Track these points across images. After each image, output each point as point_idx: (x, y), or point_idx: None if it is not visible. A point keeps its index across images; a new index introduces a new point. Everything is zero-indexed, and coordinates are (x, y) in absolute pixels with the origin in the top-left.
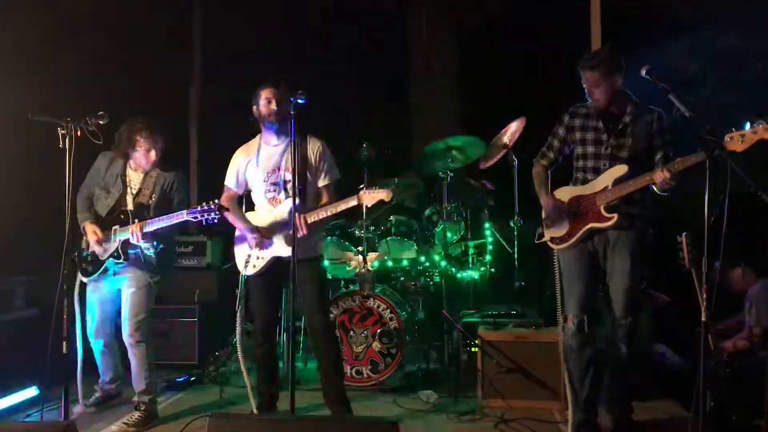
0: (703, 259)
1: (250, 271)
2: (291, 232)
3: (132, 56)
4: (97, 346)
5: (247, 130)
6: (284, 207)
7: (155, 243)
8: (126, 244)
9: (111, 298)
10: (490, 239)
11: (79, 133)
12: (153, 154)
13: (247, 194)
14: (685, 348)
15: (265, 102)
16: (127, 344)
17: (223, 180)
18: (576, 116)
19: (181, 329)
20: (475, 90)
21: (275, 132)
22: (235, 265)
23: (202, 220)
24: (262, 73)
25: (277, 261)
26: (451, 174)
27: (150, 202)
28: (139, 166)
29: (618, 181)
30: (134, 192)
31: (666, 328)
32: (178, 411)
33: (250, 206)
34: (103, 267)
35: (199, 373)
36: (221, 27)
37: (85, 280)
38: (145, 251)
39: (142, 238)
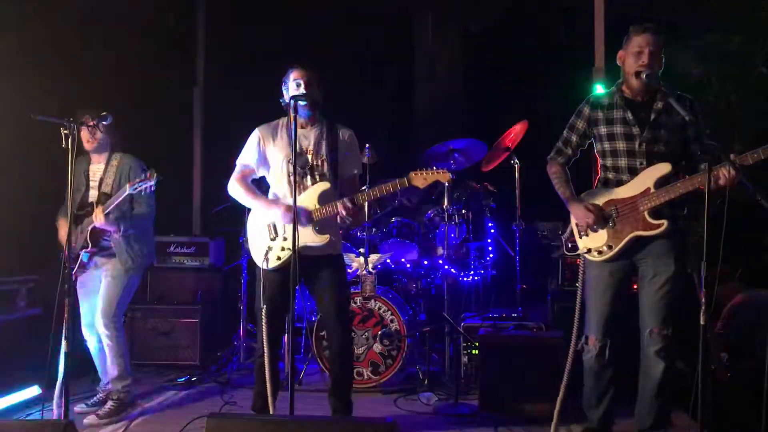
0: (702, 263)
1: (272, 263)
2: (325, 218)
3: (136, 57)
4: (92, 343)
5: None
6: (312, 192)
7: (121, 227)
8: (95, 233)
9: (95, 290)
10: (491, 242)
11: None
12: (86, 141)
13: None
14: (687, 353)
15: (294, 85)
16: (100, 332)
17: (227, 182)
18: (598, 107)
19: (184, 329)
20: (478, 93)
21: (305, 117)
22: (236, 265)
23: (141, 191)
24: (266, 74)
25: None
26: (454, 176)
27: (112, 190)
28: (92, 154)
29: (661, 182)
30: (98, 184)
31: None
32: (179, 411)
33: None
34: (79, 260)
35: (200, 374)
36: (225, 28)
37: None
38: (114, 236)
39: (106, 221)
